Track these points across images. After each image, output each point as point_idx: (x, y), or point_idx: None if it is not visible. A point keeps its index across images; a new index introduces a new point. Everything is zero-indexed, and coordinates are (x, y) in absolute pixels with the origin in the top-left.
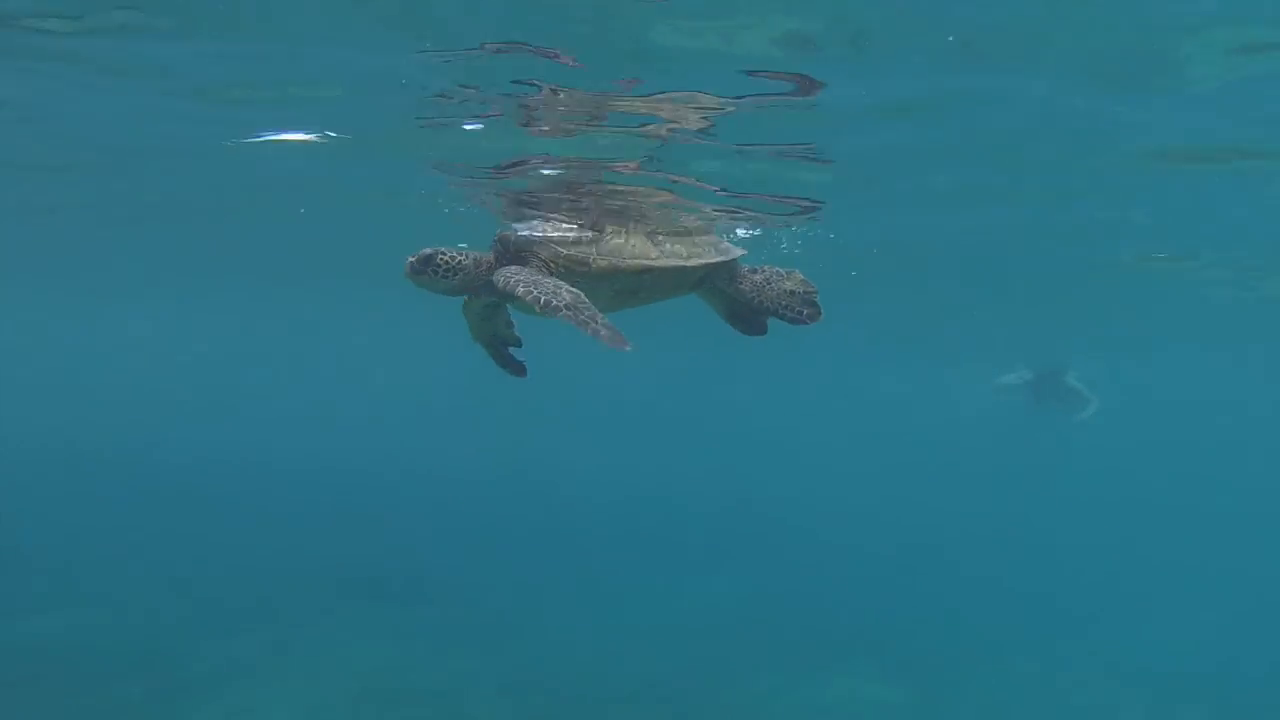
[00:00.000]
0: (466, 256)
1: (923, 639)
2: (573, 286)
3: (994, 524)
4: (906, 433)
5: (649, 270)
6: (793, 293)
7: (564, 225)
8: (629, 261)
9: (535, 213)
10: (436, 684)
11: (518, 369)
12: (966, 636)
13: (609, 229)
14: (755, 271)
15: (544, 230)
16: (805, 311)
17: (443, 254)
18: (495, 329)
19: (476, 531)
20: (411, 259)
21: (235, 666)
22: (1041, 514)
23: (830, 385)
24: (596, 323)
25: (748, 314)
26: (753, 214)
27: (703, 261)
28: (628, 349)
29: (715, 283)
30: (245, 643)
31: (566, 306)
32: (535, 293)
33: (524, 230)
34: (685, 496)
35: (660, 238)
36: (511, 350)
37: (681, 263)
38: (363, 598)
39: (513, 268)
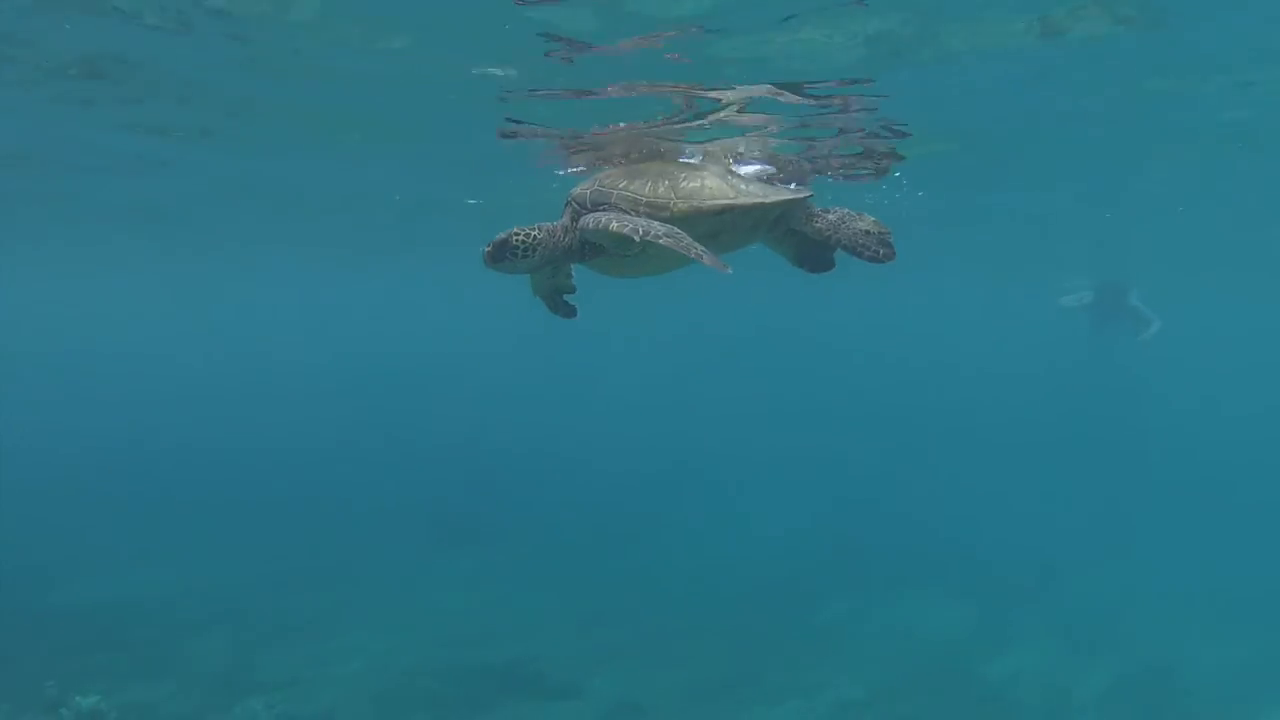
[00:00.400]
0: (539, 229)
1: (988, 564)
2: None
3: (1050, 447)
4: (968, 353)
5: (730, 209)
6: (868, 232)
7: (632, 176)
8: (709, 202)
9: (593, 155)
10: (512, 625)
11: (570, 312)
12: (1028, 560)
13: (681, 173)
14: (828, 211)
15: (613, 179)
16: (882, 251)
17: (516, 235)
18: (557, 283)
19: (549, 475)
20: (487, 248)
21: (311, 618)
22: (1102, 435)
23: (881, 308)
24: (697, 246)
25: (817, 252)
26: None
27: (781, 198)
28: (728, 271)
29: (790, 222)
30: (320, 596)
31: (666, 234)
32: (632, 225)
33: (589, 185)
34: (753, 433)
35: (733, 178)
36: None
37: (760, 200)
38: (432, 544)
39: (597, 213)
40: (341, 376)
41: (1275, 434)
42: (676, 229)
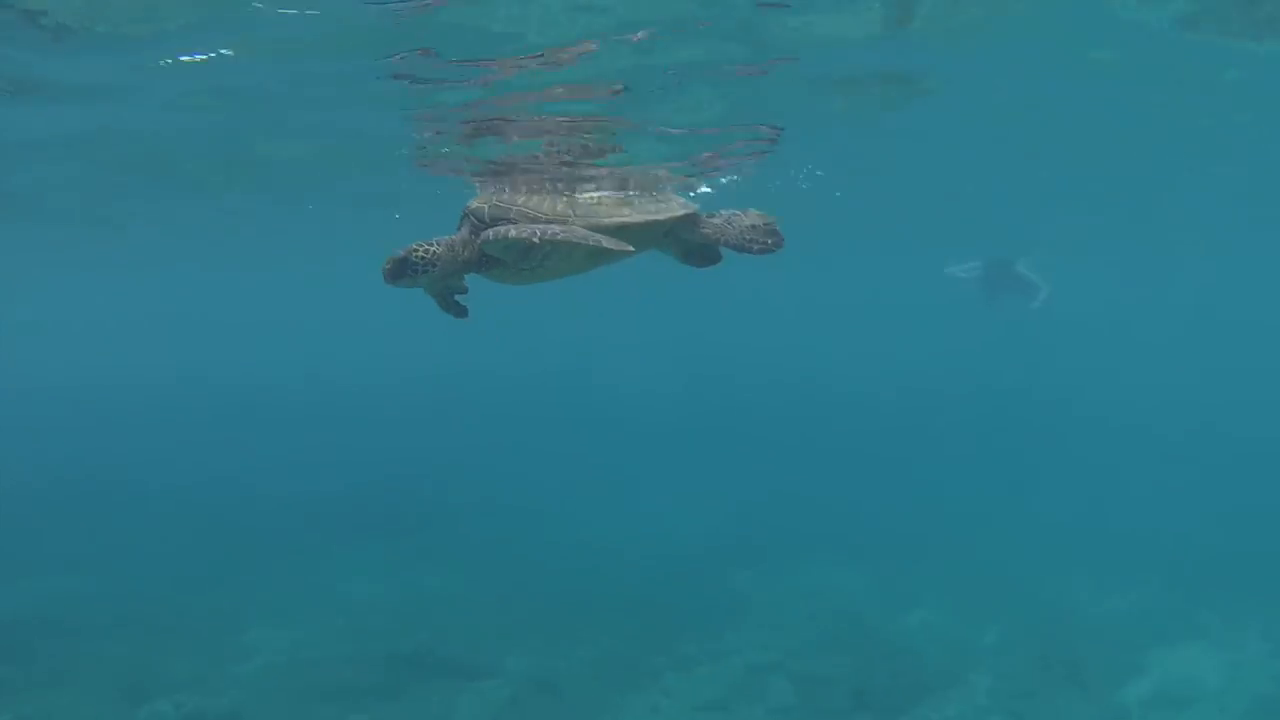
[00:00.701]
0: (438, 244)
1: (886, 527)
2: (549, 251)
3: (941, 410)
4: (862, 325)
5: (625, 227)
6: (754, 226)
7: (530, 192)
8: (606, 220)
9: (503, 180)
10: (420, 611)
11: (461, 312)
12: (927, 519)
13: (579, 191)
14: (713, 216)
15: (511, 197)
16: (770, 241)
17: (416, 251)
18: (450, 284)
19: (458, 460)
20: (386, 265)
21: (214, 616)
22: (991, 397)
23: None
24: (593, 234)
25: (702, 251)
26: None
27: (672, 215)
28: (631, 250)
29: (679, 234)
30: (223, 592)
31: (562, 230)
32: (529, 230)
33: (487, 201)
34: (653, 410)
35: (627, 195)
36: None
37: (653, 217)
38: (335, 535)
39: (499, 226)
40: (238, 369)
41: (1156, 390)
42: (572, 226)
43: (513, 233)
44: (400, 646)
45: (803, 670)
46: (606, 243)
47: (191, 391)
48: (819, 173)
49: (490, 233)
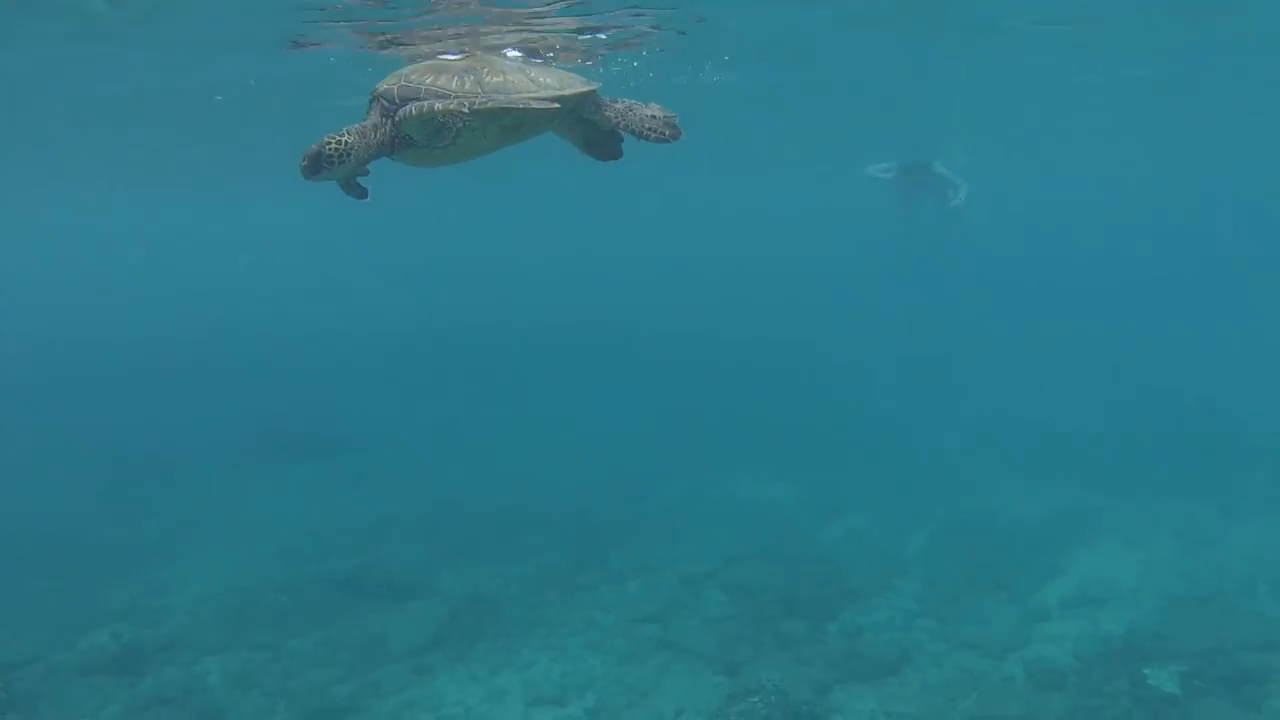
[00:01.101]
0: (349, 134)
1: (810, 438)
2: (461, 129)
3: (865, 315)
4: (782, 230)
5: (531, 104)
6: (654, 117)
7: (435, 65)
8: (514, 96)
9: (401, 51)
10: (353, 534)
11: (362, 193)
12: (851, 430)
13: (484, 68)
14: (616, 101)
15: (419, 74)
16: (668, 133)
17: (329, 145)
18: (357, 171)
19: (381, 384)
20: (303, 162)
21: (147, 545)
22: (913, 302)
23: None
24: (523, 94)
25: (604, 141)
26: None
27: (576, 90)
28: (557, 108)
29: (582, 112)
30: (155, 520)
31: (488, 96)
32: (456, 100)
33: (395, 81)
34: (580, 325)
35: (532, 71)
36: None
37: (559, 92)
38: (265, 460)
39: (418, 102)
40: (161, 292)
41: (1080, 292)
42: (498, 90)
43: (438, 105)
44: (334, 570)
45: (734, 580)
46: (535, 104)
47: (110, 320)
48: (726, 58)
49: (411, 107)
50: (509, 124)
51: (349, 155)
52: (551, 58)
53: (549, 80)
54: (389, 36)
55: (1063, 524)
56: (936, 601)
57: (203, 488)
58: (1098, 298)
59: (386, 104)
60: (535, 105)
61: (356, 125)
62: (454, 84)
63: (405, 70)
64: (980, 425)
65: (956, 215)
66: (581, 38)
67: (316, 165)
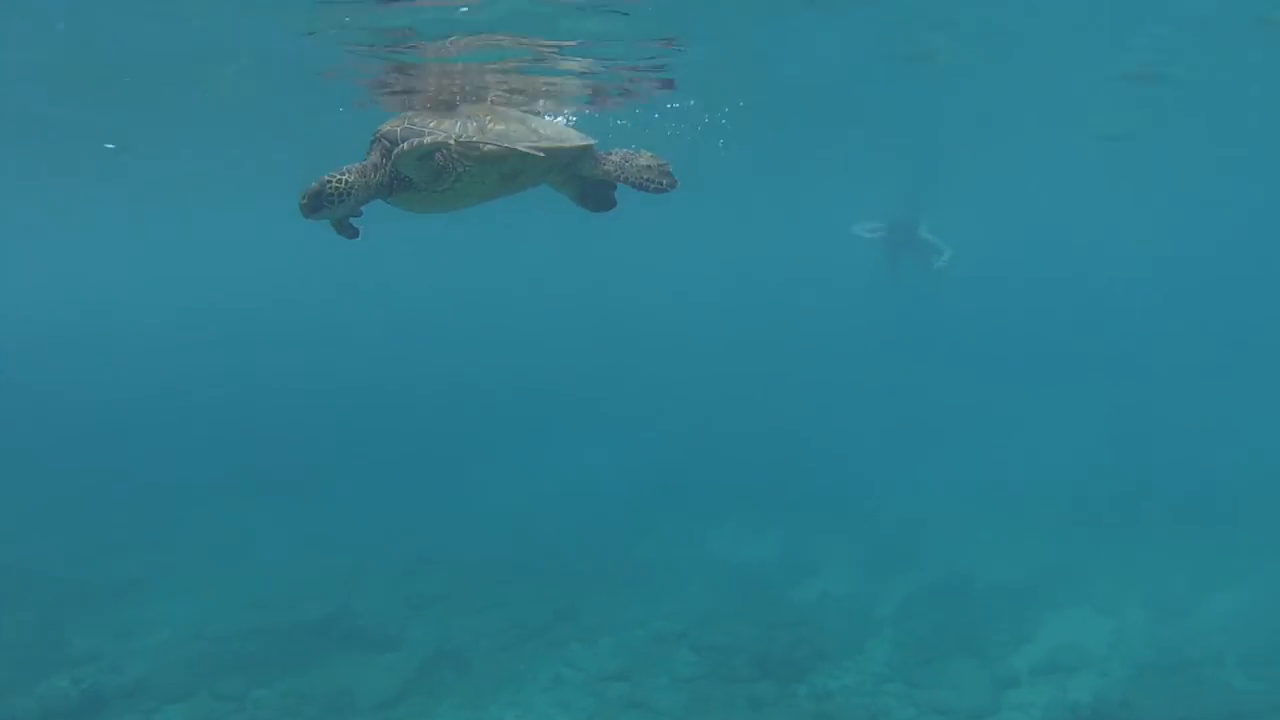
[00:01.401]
0: (350, 172)
1: (787, 496)
2: (461, 174)
3: (844, 373)
4: (767, 284)
5: (532, 153)
6: (649, 167)
7: (440, 111)
8: (516, 145)
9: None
10: (325, 579)
11: (354, 233)
12: (828, 488)
13: (487, 116)
14: (611, 153)
15: (423, 118)
16: (665, 182)
17: (330, 183)
18: (354, 211)
19: (359, 427)
20: (303, 200)
21: (116, 586)
22: (894, 360)
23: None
24: (519, 139)
25: (597, 192)
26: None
27: (576, 144)
28: (559, 146)
29: (580, 168)
30: (125, 561)
31: (487, 139)
32: (443, 133)
33: (399, 123)
34: (561, 373)
35: (533, 122)
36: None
37: (560, 144)
38: (240, 499)
39: (416, 137)
40: (137, 327)
41: (1057, 356)
42: (501, 138)
43: (428, 139)
44: (305, 617)
45: (706, 640)
46: (524, 148)
47: (81, 349)
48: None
49: (405, 145)
50: (508, 171)
51: (349, 195)
52: (552, 109)
53: (549, 132)
54: (400, 85)
55: (1037, 588)
56: (907, 665)
57: (177, 528)
58: (1075, 360)
59: (389, 144)
60: (534, 150)
61: (357, 164)
62: (456, 128)
63: (410, 114)
64: (956, 486)
65: (940, 277)
66: (583, 88)
67: (317, 204)
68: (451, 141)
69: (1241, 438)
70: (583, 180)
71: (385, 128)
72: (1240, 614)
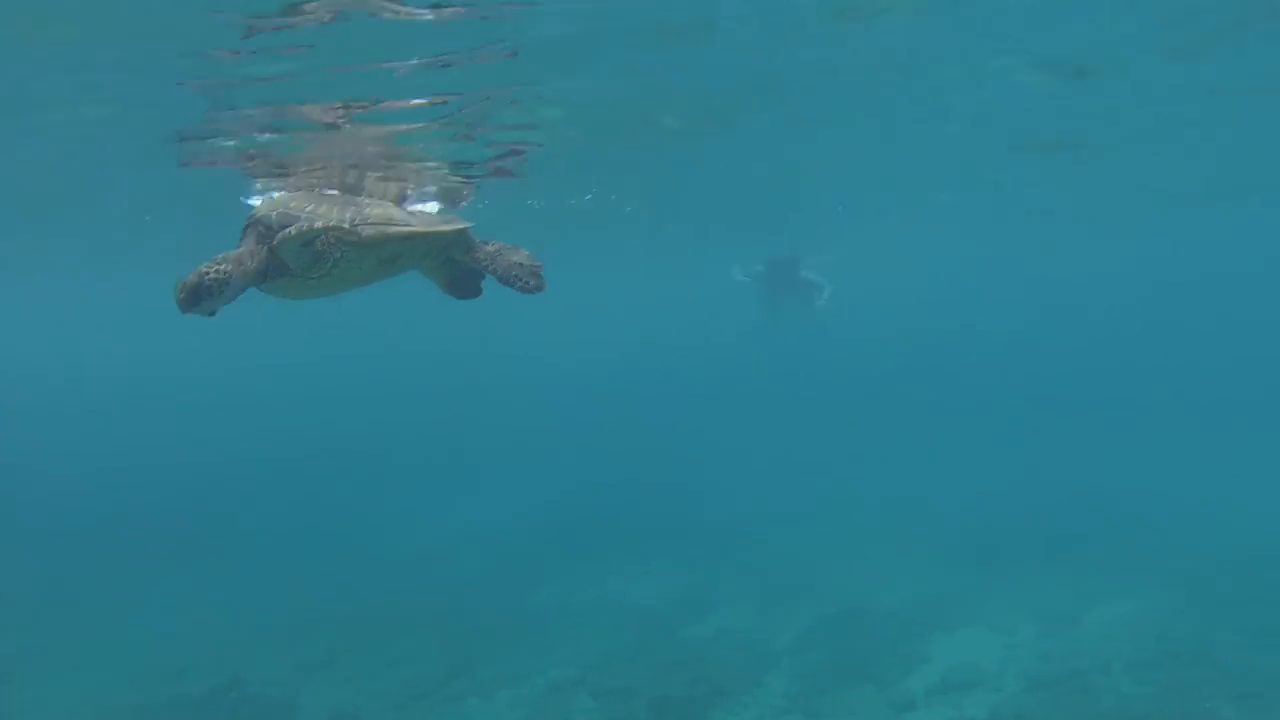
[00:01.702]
0: (225, 262)
1: (685, 528)
2: (339, 259)
3: (731, 410)
4: (653, 330)
5: (410, 237)
6: (520, 264)
7: (315, 195)
8: (394, 229)
9: (279, 180)
10: (216, 648)
11: (210, 312)
12: (721, 524)
13: (365, 201)
14: (487, 243)
15: (299, 203)
16: (533, 282)
17: (207, 275)
18: (232, 300)
19: (246, 483)
20: (180, 295)
21: (6, 660)
22: (782, 396)
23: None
24: (406, 221)
25: (467, 280)
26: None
27: (453, 227)
28: (443, 229)
29: (454, 252)
30: (13, 636)
31: (376, 220)
32: (338, 215)
33: (274, 208)
34: (450, 423)
35: (410, 207)
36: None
37: (438, 228)
38: (133, 565)
39: (300, 222)
40: (19, 391)
41: (939, 382)
42: (382, 221)
43: (317, 223)
44: (189, 691)
45: (603, 684)
46: (418, 227)
47: None
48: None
49: (293, 228)
50: (387, 256)
51: (228, 285)
52: (428, 194)
53: (427, 216)
54: (271, 162)
55: (929, 611)
56: (805, 696)
57: (53, 603)
58: (957, 388)
59: (264, 230)
60: (420, 231)
61: (231, 253)
62: (334, 213)
63: (283, 197)
64: (847, 518)
65: (821, 314)
66: (455, 176)
67: (195, 298)
68: (346, 225)
69: (1116, 464)
70: (454, 265)
71: (259, 212)
72: (1123, 623)
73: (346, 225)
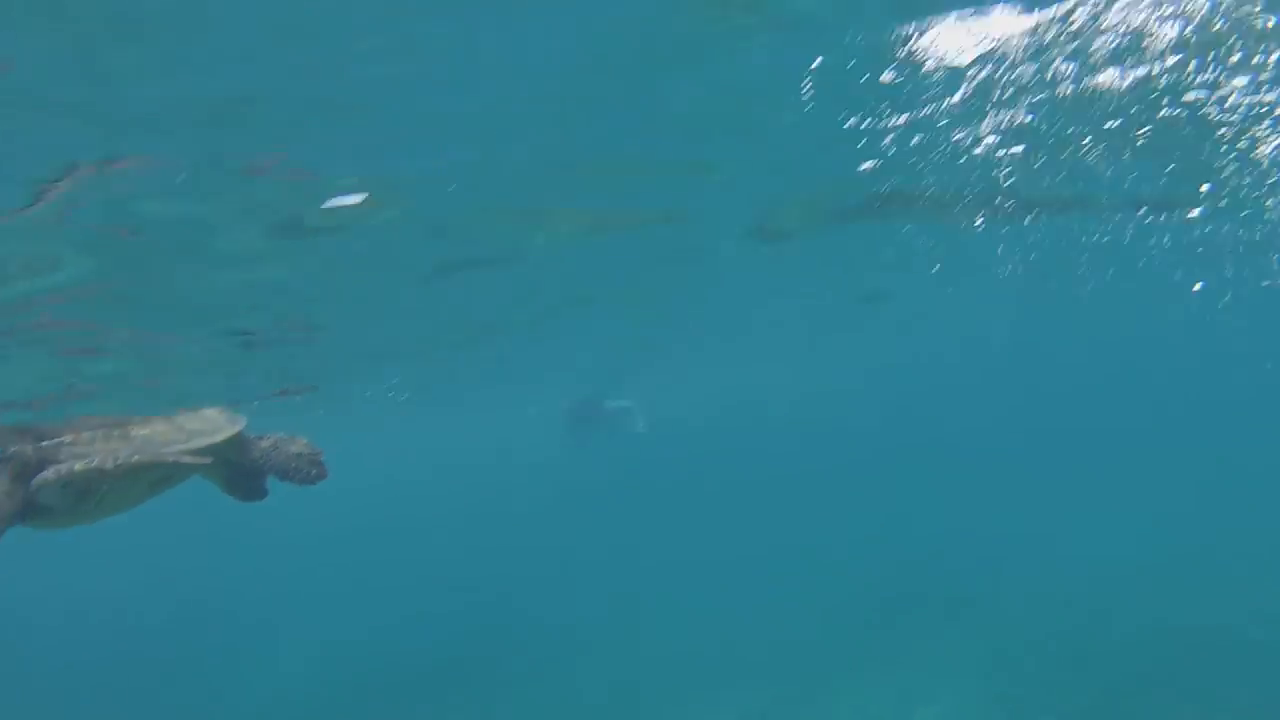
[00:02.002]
0: None
1: (507, 655)
2: (105, 493)
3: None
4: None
5: (179, 460)
6: (300, 454)
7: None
8: (164, 450)
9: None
10: None
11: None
12: (542, 648)
13: (130, 421)
14: (261, 438)
15: (57, 439)
16: (314, 472)
17: None
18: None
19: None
20: None
21: None
22: (604, 521)
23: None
24: (170, 450)
25: (247, 480)
26: None
27: (225, 435)
28: (208, 461)
29: (228, 455)
30: None
31: (136, 450)
32: (99, 459)
33: (27, 442)
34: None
35: (178, 419)
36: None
37: (209, 440)
38: None
39: (57, 465)
40: None
41: (751, 498)
42: (145, 444)
43: (78, 465)
44: None
45: None
46: (185, 458)
47: None
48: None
49: (50, 472)
50: (158, 478)
51: None
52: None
53: (196, 425)
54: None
55: None
56: None
57: None
58: (767, 502)
59: (19, 467)
60: (186, 460)
61: None
62: (98, 443)
63: (38, 428)
64: (657, 645)
65: (634, 441)
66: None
67: None
68: (109, 466)
69: (952, 548)
70: (230, 466)
71: (11, 448)
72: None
73: (109, 466)
